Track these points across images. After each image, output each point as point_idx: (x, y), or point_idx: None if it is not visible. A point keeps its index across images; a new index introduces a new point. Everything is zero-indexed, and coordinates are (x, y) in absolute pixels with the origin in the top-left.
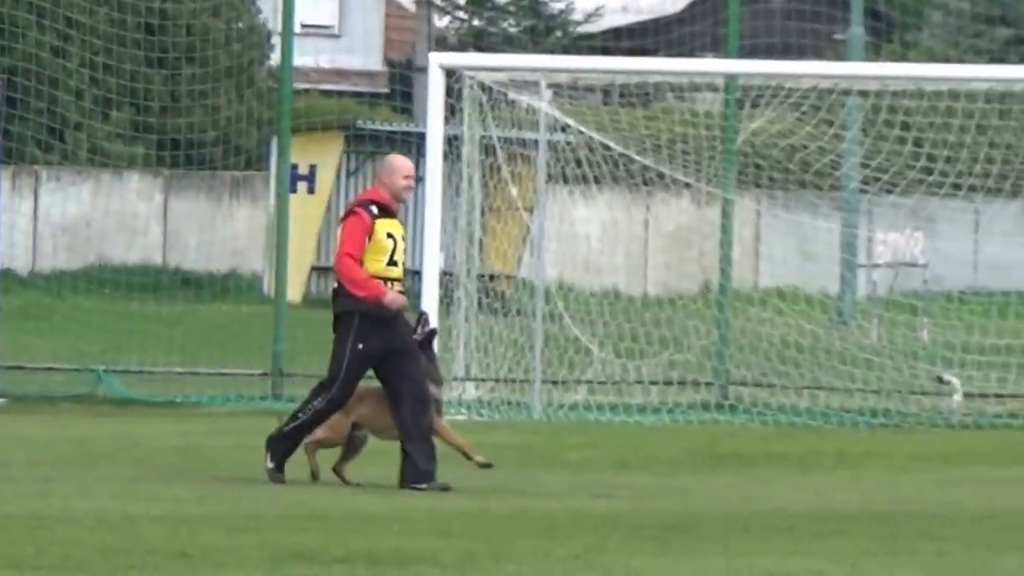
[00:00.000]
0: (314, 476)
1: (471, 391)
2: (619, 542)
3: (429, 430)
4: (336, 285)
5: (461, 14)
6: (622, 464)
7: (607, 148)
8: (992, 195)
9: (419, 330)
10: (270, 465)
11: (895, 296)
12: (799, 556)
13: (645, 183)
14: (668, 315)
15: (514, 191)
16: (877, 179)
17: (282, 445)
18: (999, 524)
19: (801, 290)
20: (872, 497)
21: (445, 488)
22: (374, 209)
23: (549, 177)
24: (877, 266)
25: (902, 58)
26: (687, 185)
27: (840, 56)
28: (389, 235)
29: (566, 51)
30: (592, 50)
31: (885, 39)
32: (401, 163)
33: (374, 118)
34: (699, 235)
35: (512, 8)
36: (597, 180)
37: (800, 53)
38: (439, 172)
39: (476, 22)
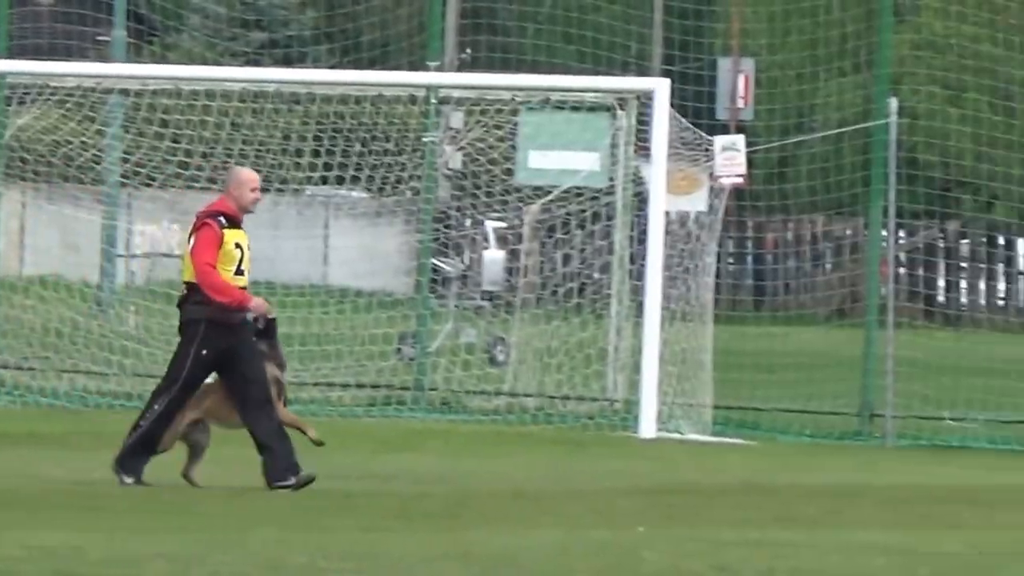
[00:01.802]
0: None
1: None
2: None
3: (281, 426)
4: (184, 294)
5: None
6: None
7: None
8: None
9: (259, 321)
10: (128, 481)
11: (152, 285)
12: (62, 530)
13: None
14: None
15: None
16: (137, 173)
17: (133, 459)
18: (249, 501)
19: (64, 279)
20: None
21: (311, 479)
22: (222, 220)
23: None
24: (135, 256)
25: (162, 59)
26: None
27: (104, 56)
28: (237, 245)
29: None
30: None
31: (147, 41)
32: (248, 176)
33: None
34: None
35: None
36: None
37: (66, 53)
38: None
39: None
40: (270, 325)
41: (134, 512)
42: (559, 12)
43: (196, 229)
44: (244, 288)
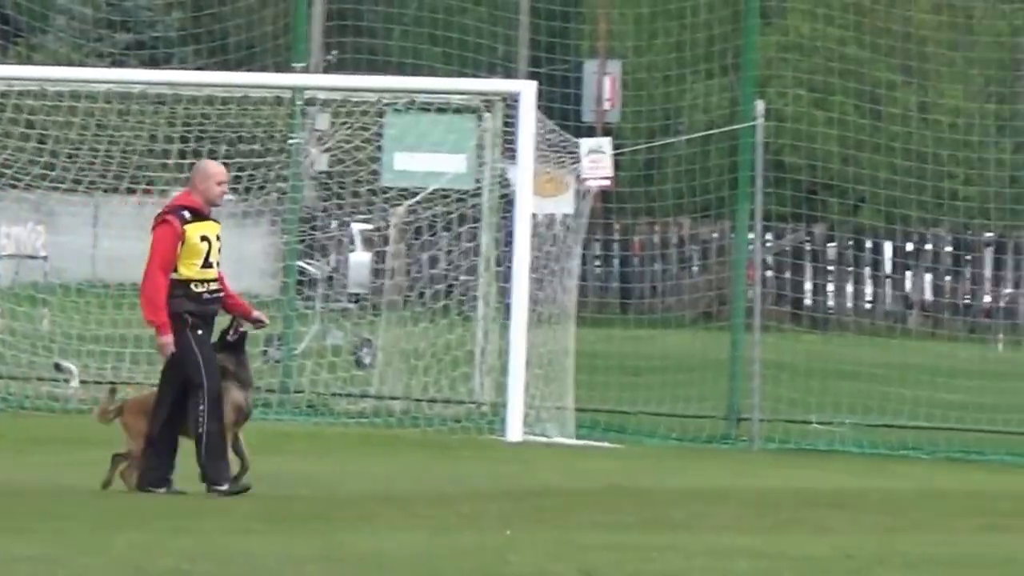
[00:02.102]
0: (105, 485)
1: None
2: None
3: (220, 433)
4: None
5: None
6: None
7: None
8: (111, 191)
9: (231, 332)
10: (224, 488)
11: (17, 288)
12: None
13: None
14: None
15: None
16: (2, 175)
17: (215, 464)
18: (113, 503)
19: None
20: None
21: (246, 489)
22: (186, 214)
23: None
24: (0, 258)
25: (28, 60)
26: None
27: None
28: (203, 238)
29: None
30: None
31: (12, 41)
32: (215, 169)
33: None
34: None
35: None
36: None
37: None
38: None
39: None
40: (241, 339)
41: None
42: (425, 14)
43: (155, 226)
44: (215, 279)
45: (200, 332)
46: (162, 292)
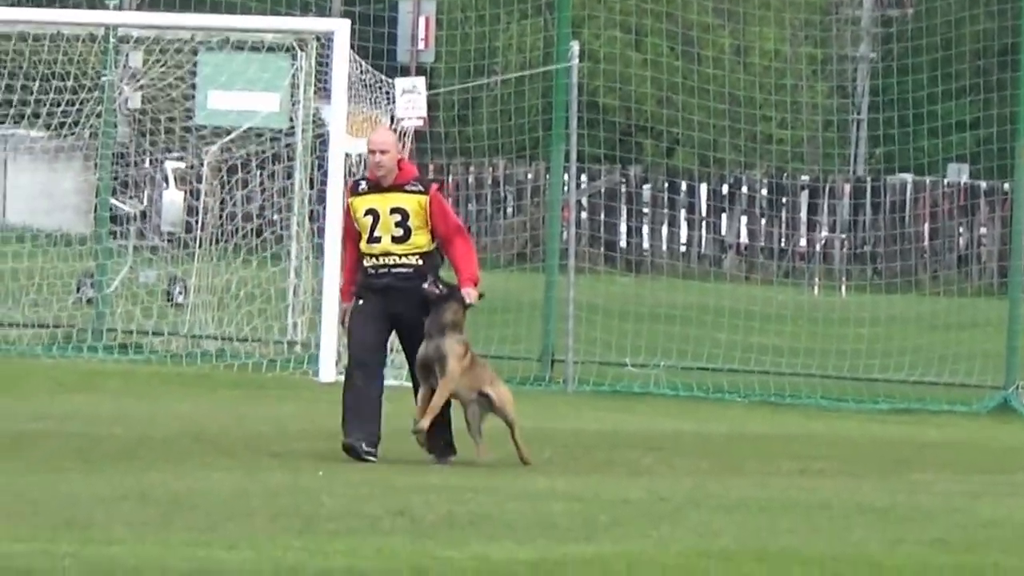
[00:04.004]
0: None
1: None
2: None
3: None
4: None
5: None
6: None
7: None
8: None
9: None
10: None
11: None
12: None
13: None
14: None
15: None
16: None
17: (345, 423)
18: None
19: None
20: None
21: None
22: (361, 185)
23: None
24: None
25: None
26: None
27: None
28: (368, 212)
29: None
30: None
31: None
32: (371, 136)
33: None
34: None
35: None
36: None
37: None
38: None
39: None
40: (438, 295)
41: None
42: None
43: None
44: (388, 253)
45: (361, 301)
46: (345, 263)
